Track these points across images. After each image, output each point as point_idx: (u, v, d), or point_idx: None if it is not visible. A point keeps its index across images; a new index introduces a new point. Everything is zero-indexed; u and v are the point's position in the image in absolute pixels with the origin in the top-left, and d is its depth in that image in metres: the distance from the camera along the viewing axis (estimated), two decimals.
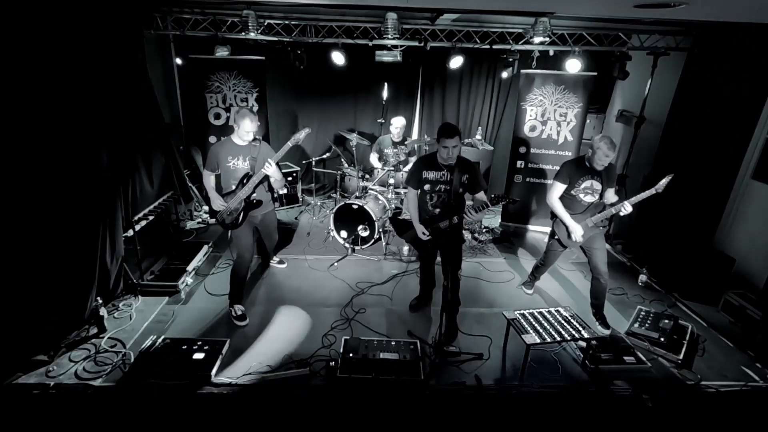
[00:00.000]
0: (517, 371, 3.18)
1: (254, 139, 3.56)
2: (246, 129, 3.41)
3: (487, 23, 5.16)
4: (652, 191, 3.20)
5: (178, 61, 5.18)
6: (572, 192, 3.50)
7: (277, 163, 3.53)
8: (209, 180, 3.63)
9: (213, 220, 5.65)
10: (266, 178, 3.56)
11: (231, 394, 2.91)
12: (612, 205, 3.40)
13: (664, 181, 3.16)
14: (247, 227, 3.65)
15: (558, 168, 5.43)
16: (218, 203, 3.55)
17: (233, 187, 3.55)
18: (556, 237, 3.69)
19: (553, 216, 3.68)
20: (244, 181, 3.51)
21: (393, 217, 4.53)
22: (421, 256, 3.79)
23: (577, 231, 3.49)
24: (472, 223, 5.62)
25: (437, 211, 3.36)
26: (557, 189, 3.54)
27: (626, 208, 3.28)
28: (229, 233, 3.64)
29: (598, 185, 3.44)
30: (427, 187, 3.33)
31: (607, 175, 3.42)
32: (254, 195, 3.58)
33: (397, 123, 5.38)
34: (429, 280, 3.85)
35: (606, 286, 3.65)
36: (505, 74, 5.50)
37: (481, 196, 3.31)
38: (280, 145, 3.54)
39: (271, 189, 3.80)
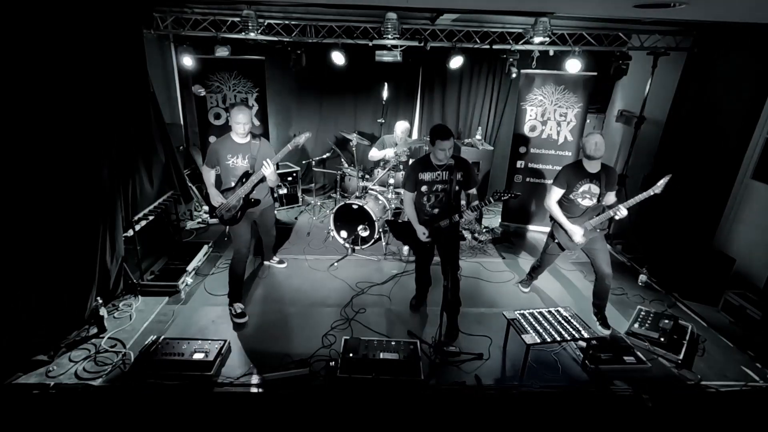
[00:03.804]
0: (517, 371, 3.17)
1: (255, 137, 3.58)
2: (238, 121, 3.42)
3: (487, 23, 5.16)
4: (649, 192, 3.17)
5: (185, 61, 5.17)
6: (570, 196, 3.50)
7: (276, 164, 3.53)
8: (209, 176, 3.65)
9: (213, 220, 5.69)
10: (264, 178, 3.57)
11: (231, 394, 2.91)
12: (609, 207, 3.40)
13: (662, 182, 3.13)
14: (246, 222, 3.67)
15: (558, 168, 5.46)
16: (217, 200, 3.57)
17: (232, 184, 3.57)
18: (556, 240, 3.69)
19: (552, 218, 3.68)
20: (243, 179, 3.53)
21: (390, 221, 4.53)
22: (416, 256, 3.80)
23: (577, 232, 3.48)
24: (471, 222, 5.62)
25: (436, 211, 3.37)
26: (555, 193, 3.55)
27: (621, 212, 3.27)
28: (227, 228, 3.66)
29: (596, 189, 3.42)
30: (424, 188, 3.33)
31: (607, 177, 3.39)
32: (253, 194, 3.60)
33: (401, 127, 5.39)
34: (425, 280, 3.86)
35: (610, 286, 3.64)
36: (514, 73, 5.43)
37: (473, 192, 3.35)
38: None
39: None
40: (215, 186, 3.66)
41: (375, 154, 5.49)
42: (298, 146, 3.54)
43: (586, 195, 3.46)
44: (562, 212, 3.56)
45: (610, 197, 3.48)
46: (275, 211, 5.69)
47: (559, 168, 5.38)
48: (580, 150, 3.42)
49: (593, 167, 3.39)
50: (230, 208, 3.57)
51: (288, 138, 6.55)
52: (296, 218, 6.03)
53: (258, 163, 3.50)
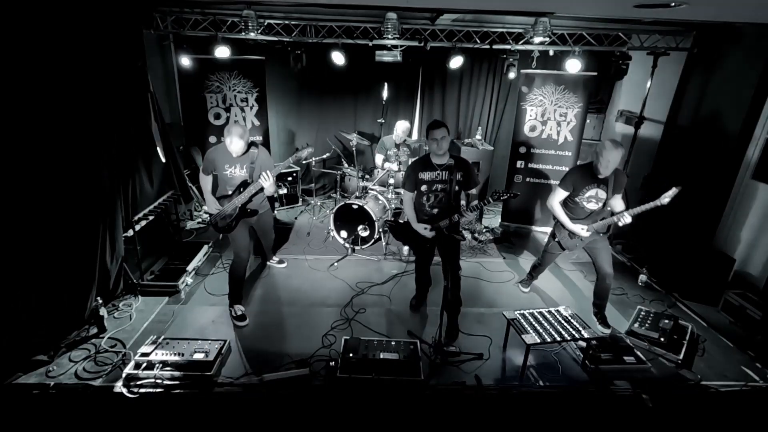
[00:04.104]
0: (517, 371, 3.18)
1: (253, 146, 3.55)
2: (232, 148, 3.39)
3: (487, 23, 5.16)
4: (656, 203, 3.14)
5: (184, 61, 5.17)
6: (576, 199, 3.48)
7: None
8: (205, 183, 3.62)
9: None
10: (262, 189, 3.52)
11: (231, 394, 2.91)
12: (613, 214, 3.39)
13: (670, 193, 3.10)
14: (243, 227, 3.64)
15: (559, 168, 5.45)
16: (213, 207, 3.54)
17: (229, 192, 3.54)
18: (557, 239, 3.68)
19: (555, 217, 3.67)
20: (241, 189, 3.50)
21: (390, 221, 4.53)
22: (416, 256, 3.80)
23: (581, 230, 3.48)
24: (472, 222, 5.62)
25: (435, 211, 3.37)
26: (559, 195, 3.53)
27: (625, 219, 3.28)
28: (220, 236, 3.64)
29: (603, 194, 3.40)
30: (423, 188, 3.34)
31: (615, 182, 3.36)
32: (250, 204, 3.57)
33: (401, 126, 5.40)
34: (424, 280, 3.86)
35: (610, 286, 3.64)
36: (512, 74, 5.47)
37: (473, 192, 3.36)
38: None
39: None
40: (213, 189, 3.63)
41: (379, 162, 5.51)
42: (300, 160, 3.52)
43: (592, 199, 3.44)
44: (566, 213, 3.55)
45: (617, 201, 3.45)
46: (275, 212, 5.70)
47: (558, 168, 5.48)
48: (597, 154, 3.28)
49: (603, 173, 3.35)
50: (225, 216, 3.54)
51: (288, 138, 6.58)
52: (296, 218, 6.03)
53: (256, 172, 3.47)
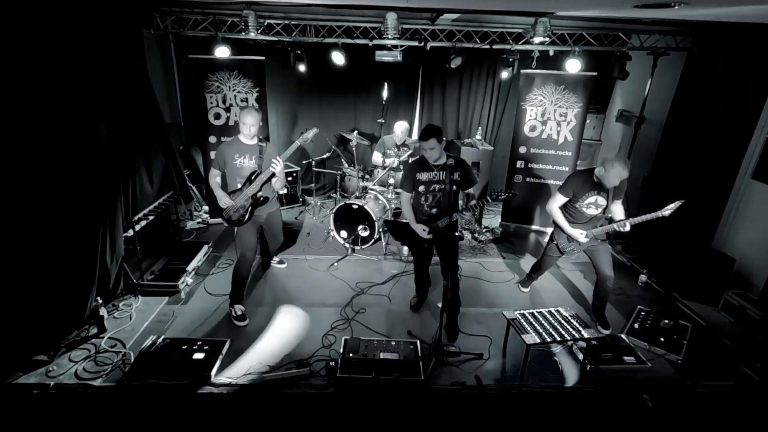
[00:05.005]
0: (517, 371, 3.18)
1: (260, 140, 3.61)
2: (245, 122, 3.45)
3: (487, 23, 5.16)
4: (657, 214, 3.17)
5: (184, 61, 5.18)
6: (576, 205, 3.48)
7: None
8: (215, 178, 3.64)
9: (213, 220, 5.69)
10: (272, 176, 3.57)
11: (231, 394, 2.91)
12: (613, 220, 3.40)
13: (672, 206, 3.12)
14: (251, 226, 3.65)
15: (559, 168, 5.44)
16: (225, 201, 3.54)
17: (239, 185, 3.57)
18: (555, 242, 3.69)
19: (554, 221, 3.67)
20: (252, 178, 3.53)
21: (389, 221, 4.53)
22: (415, 256, 3.80)
23: (580, 235, 3.48)
24: (471, 222, 5.62)
25: (434, 210, 3.38)
26: (558, 200, 3.54)
27: (625, 227, 3.30)
28: (235, 230, 3.67)
29: (603, 201, 3.41)
30: (421, 188, 3.34)
31: (615, 188, 3.35)
32: (261, 193, 3.60)
33: (400, 127, 5.40)
34: (424, 280, 3.86)
35: (611, 288, 3.64)
36: (505, 74, 5.50)
37: (472, 191, 3.38)
38: (280, 145, 3.55)
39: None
40: (222, 187, 3.65)
41: (377, 159, 5.50)
42: (307, 141, 3.58)
43: (592, 205, 3.45)
44: (566, 217, 3.55)
45: (617, 206, 3.46)
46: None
47: (558, 168, 5.48)
48: (605, 168, 3.22)
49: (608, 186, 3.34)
50: (238, 208, 3.56)
51: (288, 137, 6.58)
52: (296, 218, 6.03)
53: (265, 163, 3.53)
